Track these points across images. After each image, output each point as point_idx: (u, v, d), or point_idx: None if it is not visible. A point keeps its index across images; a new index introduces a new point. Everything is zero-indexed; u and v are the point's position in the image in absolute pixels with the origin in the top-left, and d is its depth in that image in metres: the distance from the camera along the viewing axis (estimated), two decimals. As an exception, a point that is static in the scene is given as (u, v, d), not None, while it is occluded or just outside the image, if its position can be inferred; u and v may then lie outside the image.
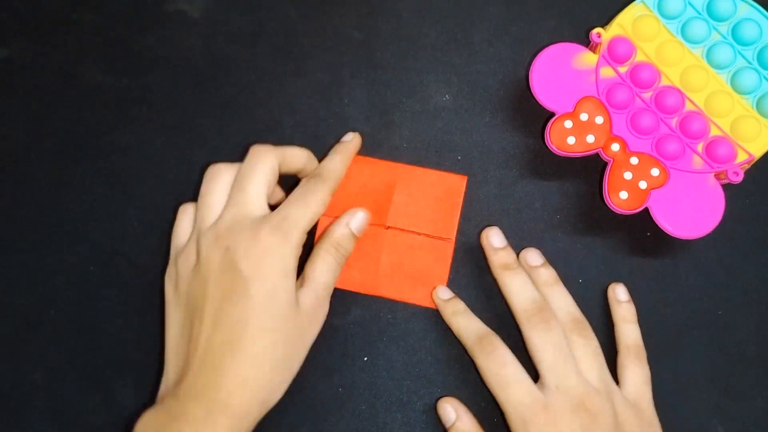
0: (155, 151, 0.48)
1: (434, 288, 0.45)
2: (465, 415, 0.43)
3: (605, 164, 0.45)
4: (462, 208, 0.46)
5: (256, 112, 0.49)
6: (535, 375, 0.41)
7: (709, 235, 0.43)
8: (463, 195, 0.46)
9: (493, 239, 0.45)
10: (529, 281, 0.44)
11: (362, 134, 0.48)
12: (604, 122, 0.45)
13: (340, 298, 0.45)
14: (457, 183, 0.46)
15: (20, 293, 0.46)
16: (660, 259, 0.46)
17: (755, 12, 0.46)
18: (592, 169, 0.47)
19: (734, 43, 0.46)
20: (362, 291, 0.45)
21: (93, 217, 0.47)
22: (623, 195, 0.44)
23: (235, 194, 0.42)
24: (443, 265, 0.45)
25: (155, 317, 0.45)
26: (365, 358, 0.45)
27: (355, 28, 0.50)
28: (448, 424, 0.43)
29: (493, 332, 0.43)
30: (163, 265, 0.45)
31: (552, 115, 0.45)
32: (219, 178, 0.43)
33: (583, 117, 0.45)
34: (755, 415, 0.44)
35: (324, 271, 0.42)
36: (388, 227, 0.45)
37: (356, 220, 0.44)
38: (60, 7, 0.51)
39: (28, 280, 0.46)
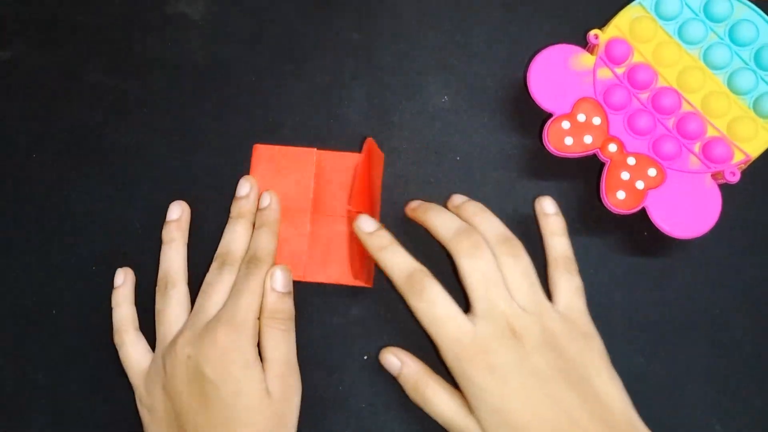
0: (156, 152, 0.48)
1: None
2: (409, 360, 0.43)
3: (602, 165, 0.45)
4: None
5: (256, 113, 0.49)
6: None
7: (706, 235, 0.43)
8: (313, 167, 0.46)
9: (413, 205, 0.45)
10: (453, 215, 0.43)
11: (362, 135, 0.48)
12: (601, 123, 0.45)
13: (340, 298, 0.46)
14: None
15: (21, 293, 0.46)
16: (657, 259, 0.46)
17: (752, 13, 0.46)
18: (589, 169, 0.47)
19: (731, 44, 0.46)
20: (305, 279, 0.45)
21: (93, 217, 0.47)
22: (620, 195, 0.44)
23: (198, 302, 0.43)
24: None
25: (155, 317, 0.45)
26: (365, 357, 0.45)
27: (355, 29, 0.50)
28: (395, 373, 0.43)
29: (422, 267, 0.41)
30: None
31: (549, 116, 0.45)
32: (173, 292, 0.44)
33: (581, 118, 0.45)
34: (753, 414, 0.44)
35: (274, 347, 0.41)
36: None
37: (276, 280, 0.42)
38: (61, 9, 0.51)
39: (28, 280, 0.47)
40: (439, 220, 0.43)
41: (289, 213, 0.46)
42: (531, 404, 0.39)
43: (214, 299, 0.42)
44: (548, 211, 0.45)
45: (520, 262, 0.42)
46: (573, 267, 0.43)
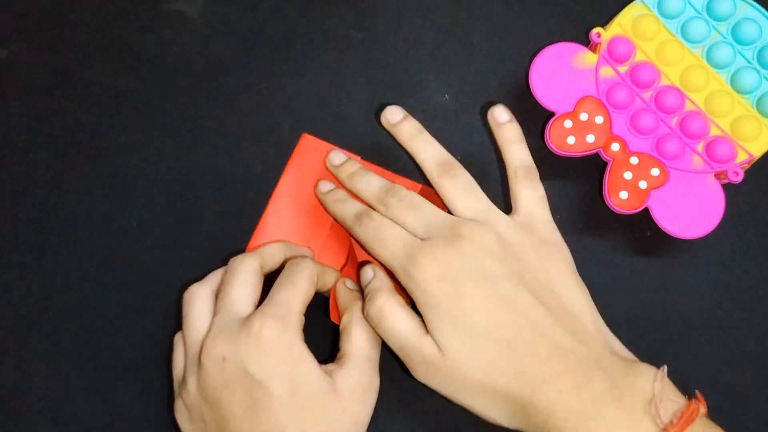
0: (154, 151, 0.48)
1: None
2: (382, 275, 0.41)
3: (605, 164, 0.45)
4: None
5: (255, 112, 0.49)
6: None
7: (709, 235, 0.43)
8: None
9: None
10: (372, 176, 0.43)
11: (362, 134, 0.48)
12: (603, 122, 0.45)
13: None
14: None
15: (20, 293, 0.46)
16: (660, 258, 0.46)
17: (755, 11, 0.46)
18: (591, 169, 0.47)
19: (734, 43, 0.46)
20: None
21: (93, 217, 0.47)
22: (623, 195, 0.44)
23: (220, 303, 0.39)
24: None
25: (155, 317, 0.45)
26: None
27: (355, 27, 0.50)
28: (364, 285, 0.41)
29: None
30: (163, 264, 0.46)
31: (552, 114, 0.45)
32: (197, 297, 0.40)
33: (583, 117, 0.45)
34: (755, 415, 0.44)
35: (362, 341, 0.39)
36: None
37: (347, 280, 0.42)
38: (59, 7, 0.51)
39: (28, 280, 0.46)
40: (362, 185, 0.43)
41: (313, 213, 0.45)
42: (486, 309, 0.37)
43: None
44: (501, 119, 0.44)
45: (460, 180, 0.41)
46: (534, 175, 0.42)
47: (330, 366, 0.39)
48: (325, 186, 0.45)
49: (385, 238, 0.40)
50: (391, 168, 0.47)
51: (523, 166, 0.43)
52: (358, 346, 0.39)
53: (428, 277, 0.38)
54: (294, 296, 0.39)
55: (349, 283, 0.43)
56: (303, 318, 0.39)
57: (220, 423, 0.37)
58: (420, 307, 0.39)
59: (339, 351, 0.40)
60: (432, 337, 0.38)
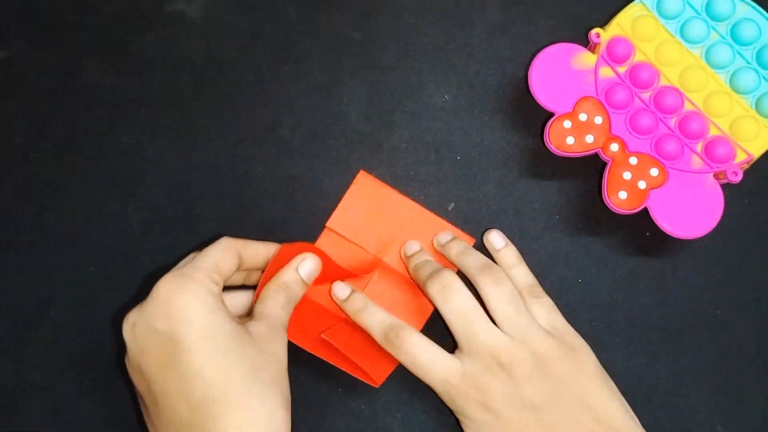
0: (155, 151, 0.48)
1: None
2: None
3: (604, 164, 0.45)
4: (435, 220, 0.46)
5: (255, 112, 0.49)
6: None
7: (708, 235, 0.43)
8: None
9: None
10: (428, 258, 0.44)
11: (362, 134, 0.48)
12: (603, 122, 0.45)
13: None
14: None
15: (20, 293, 0.46)
16: (659, 258, 0.46)
17: (754, 12, 0.46)
18: (591, 169, 0.47)
19: (733, 43, 0.46)
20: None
21: (93, 217, 0.47)
22: (622, 195, 0.44)
23: None
24: None
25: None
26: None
27: (355, 28, 0.50)
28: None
29: (398, 321, 0.42)
30: (163, 264, 0.45)
31: (551, 115, 0.45)
32: None
33: (582, 117, 0.45)
34: (754, 415, 0.44)
35: (273, 307, 0.40)
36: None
37: (305, 266, 0.42)
38: (59, 7, 0.51)
39: (28, 280, 0.46)
40: (414, 263, 0.44)
41: (356, 256, 0.46)
42: None
43: None
44: (497, 246, 0.45)
45: (504, 289, 0.42)
46: (539, 291, 0.44)
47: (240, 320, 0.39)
48: (342, 292, 0.44)
49: (425, 364, 0.41)
50: (393, 168, 0.47)
51: (527, 286, 0.44)
52: (270, 308, 0.39)
53: (471, 404, 0.40)
54: (202, 258, 0.38)
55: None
56: (217, 278, 0.38)
57: (149, 393, 0.37)
58: (464, 428, 0.41)
59: (251, 313, 0.40)
60: None
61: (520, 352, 0.40)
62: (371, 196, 0.46)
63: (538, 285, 0.44)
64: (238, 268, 0.40)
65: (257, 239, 0.42)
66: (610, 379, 0.42)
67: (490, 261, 0.43)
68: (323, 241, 0.46)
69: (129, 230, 0.47)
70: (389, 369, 0.43)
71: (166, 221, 0.47)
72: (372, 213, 0.46)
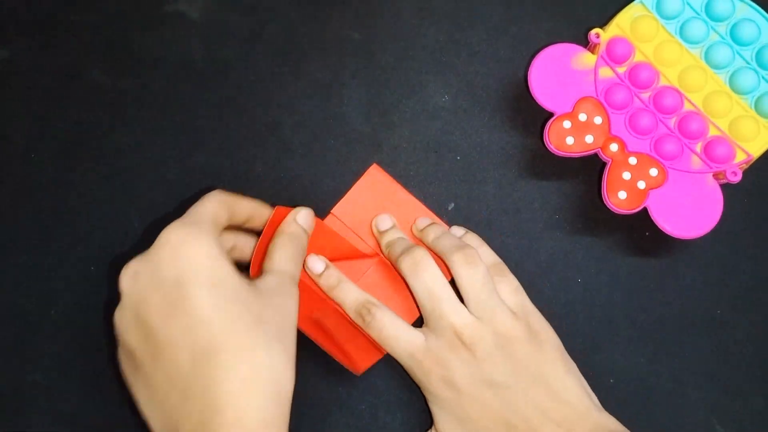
0: (155, 152, 0.48)
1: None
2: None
3: (604, 164, 0.45)
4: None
5: (255, 112, 0.49)
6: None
7: (707, 235, 0.43)
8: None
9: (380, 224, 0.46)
10: (402, 237, 0.45)
11: (362, 134, 0.48)
12: (602, 122, 0.45)
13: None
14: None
15: (20, 293, 0.46)
16: (659, 258, 0.46)
17: (754, 12, 0.46)
18: (590, 169, 0.47)
19: (732, 44, 0.46)
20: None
21: (93, 217, 0.47)
22: (622, 195, 0.44)
23: None
24: None
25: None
26: (365, 358, 0.45)
27: (355, 28, 0.50)
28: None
29: (369, 298, 0.43)
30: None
31: (551, 115, 0.45)
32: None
33: (582, 117, 0.45)
34: (753, 414, 0.44)
35: (282, 260, 0.39)
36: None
37: (302, 215, 0.42)
38: (60, 8, 0.51)
39: (28, 280, 0.46)
40: (386, 240, 0.45)
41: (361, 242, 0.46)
42: (488, 413, 0.40)
43: None
44: (457, 233, 0.45)
45: (477, 270, 0.42)
46: (504, 269, 0.44)
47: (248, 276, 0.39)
48: (317, 266, 0.43)
49: (391, 338, 0.42)
50: (393, 168, 0.47)
51: (492, 264, 0.44)
52: (279, 262, 0.39)
53: (433, 379, 0.41)
54: (201, 210, 0.38)
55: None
56: (219, 231, 0.37)
57: (146, 347, 0.36)
58: (429, 403, 0.43)
59: (260, 269, 0.39)
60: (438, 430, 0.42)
61: (483, 331, 0.41)
62: (379, 190, 0.47)
63: (503, 264, 0.45)
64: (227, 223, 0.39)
65: (257, 237, 0.42)
66: (571, 360, 0.42)
67: (466, 243, 0.43)
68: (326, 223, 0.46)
69: (129, 230, 0.47)
70: (373, 359, 0.44)
71: (166, 221, 0.47)
72: (377, 207, 0.46)
